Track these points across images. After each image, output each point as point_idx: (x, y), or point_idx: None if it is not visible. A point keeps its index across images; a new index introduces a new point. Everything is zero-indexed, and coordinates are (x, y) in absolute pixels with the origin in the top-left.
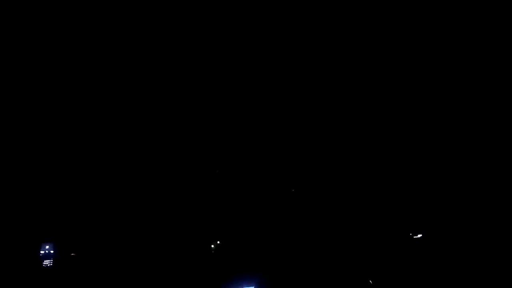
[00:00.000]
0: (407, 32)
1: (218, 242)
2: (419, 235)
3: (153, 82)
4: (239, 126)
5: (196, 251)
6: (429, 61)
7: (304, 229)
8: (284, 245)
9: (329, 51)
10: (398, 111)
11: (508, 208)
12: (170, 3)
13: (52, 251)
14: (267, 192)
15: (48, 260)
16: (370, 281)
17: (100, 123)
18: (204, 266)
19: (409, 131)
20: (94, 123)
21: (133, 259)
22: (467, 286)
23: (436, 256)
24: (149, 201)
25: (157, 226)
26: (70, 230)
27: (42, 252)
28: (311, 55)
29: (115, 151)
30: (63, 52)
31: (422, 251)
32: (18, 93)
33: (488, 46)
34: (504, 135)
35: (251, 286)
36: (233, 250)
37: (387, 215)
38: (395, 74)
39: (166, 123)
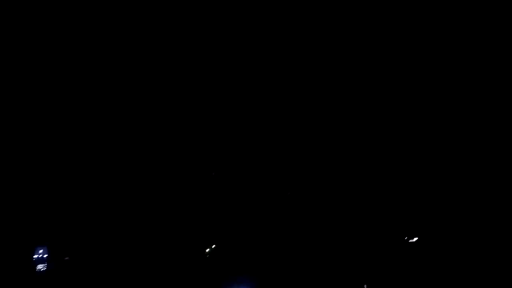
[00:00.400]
0: (407, 32)
1: (214, 246)
2: (415, 239)
3: (149, 83)
4: (236, 128)
5: (191, 255)
6: (429, 61)
7: (300, 233)
8: (280, 249)
9: (329, 50)
10: (387, 118)
11: (507, 210)
12: (170, 3)
13: (45, 255)
14: (263, 196)
15: (42, 265)
16: (365, 286)
17: (91, 124)
18: (199, 270)
19: (406, 134)
20: (85, 124)
21: (127, 262)
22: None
23: (431, 260)
24: (143, 204)
25: (152, 229)
26: (63, 234)
27: (35, 256)
28: (308, 55)
29: (108, 153)
30: (63, 51)
31: (417, 255)
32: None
33: (488, 46)
34: (503, 137)
35: None
36: (228, 254)
37: (382, 218)
38: (394, 74)
39: (161, 124)
